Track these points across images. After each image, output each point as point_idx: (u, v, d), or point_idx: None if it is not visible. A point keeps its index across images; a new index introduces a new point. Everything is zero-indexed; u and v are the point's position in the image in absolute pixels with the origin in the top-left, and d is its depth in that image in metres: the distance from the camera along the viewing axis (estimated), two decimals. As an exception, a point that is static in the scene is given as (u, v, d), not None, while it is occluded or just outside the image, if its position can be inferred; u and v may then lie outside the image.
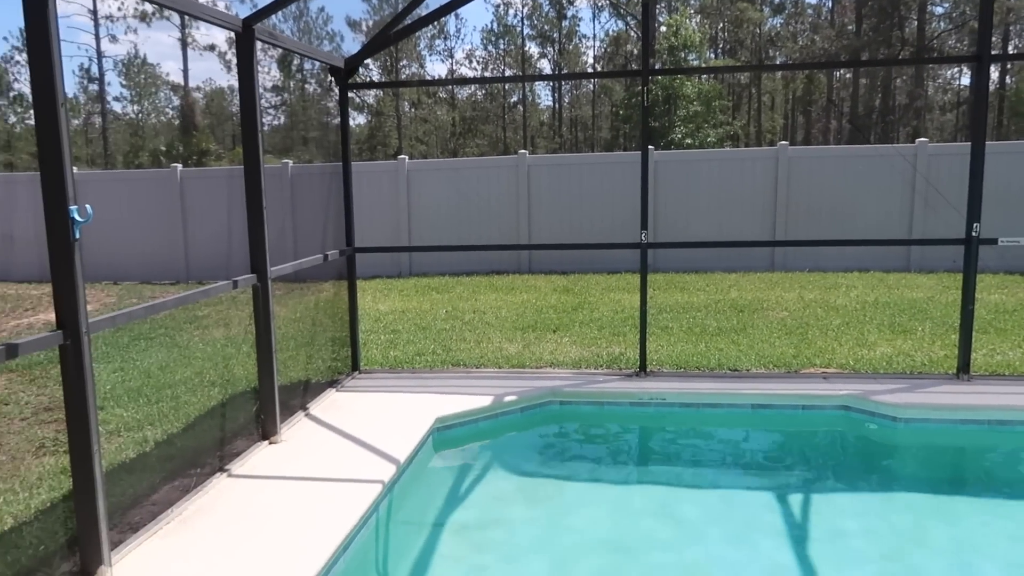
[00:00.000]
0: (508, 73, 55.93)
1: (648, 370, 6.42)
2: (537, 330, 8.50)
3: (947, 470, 5.41)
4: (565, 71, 52.24)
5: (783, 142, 13.77)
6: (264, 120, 14.54)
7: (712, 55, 46.94)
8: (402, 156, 14.66)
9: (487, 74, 55.94)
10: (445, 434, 5.34)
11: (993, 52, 6.47)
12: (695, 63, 28.43)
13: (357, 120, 50.69)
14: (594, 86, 53.49)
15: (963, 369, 6.12)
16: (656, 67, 29.95)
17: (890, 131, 40.87)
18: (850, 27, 42.76)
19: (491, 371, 6.83)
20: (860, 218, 12.91)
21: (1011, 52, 45.78)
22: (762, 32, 49.41)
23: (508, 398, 5.76)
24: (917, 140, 13.35)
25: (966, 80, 46.62)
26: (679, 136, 24.48)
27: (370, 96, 47.31)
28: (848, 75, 45.44)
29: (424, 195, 14.31)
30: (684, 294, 10.55)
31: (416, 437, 4.93)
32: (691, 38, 26.97)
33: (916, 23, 39.97)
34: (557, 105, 60.29)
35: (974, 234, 5.96)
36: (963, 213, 6.01)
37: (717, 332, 8.09)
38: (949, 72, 47.43)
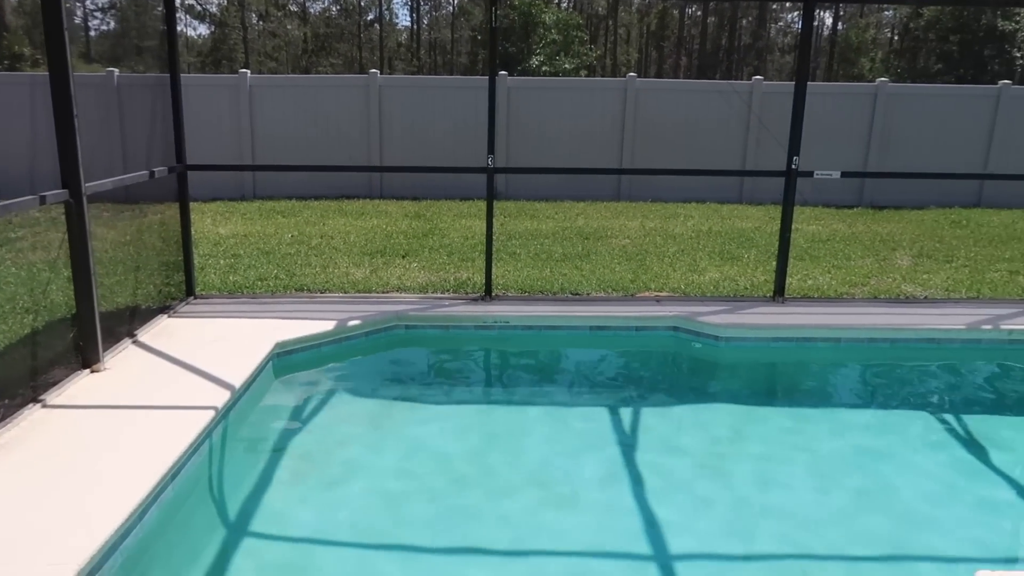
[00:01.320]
0: (363, -12, 53.36)
1: (494, 294, 6.54)
2: (386, 255, 8.41)
3: (761, 383, 5.93)
4: (423, -10, 50.32)
5: (631, 74, 14.10)
6: (91, 25, 13.09)
7: (572, -16, 46.90)
8: (243, 70, 13.75)
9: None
10: (286, 359, 5.23)
11: (819, -5, 6.85)
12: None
13: (199, 30, 46.87)
14: (453, 8, 52.22)
15: (779, 292, 6.68)
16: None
17: (734, 69, 42.86)
18: (702, -36, 43.84)
19: (336, 296, 6.72)
20: (700, 151, 13.56)
21: (843, -1, 48.70)
22: (621, -37, 49.76)
23: (352, 323, 5.70)
24: (753, 78, 14.08)
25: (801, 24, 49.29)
26: (536, 64, 24.47)
27: (213, 4, 43.80)
28: (699, 13, 46.93)
29: (268, 113, 13.56)
30: (534, 221, 10.75)
31: (254, 362, 4.79)
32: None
33: (762, -35, 41.55)
34: (416, 26, 58.43)
35: (793, 167, 6.42)
36: (784, 147, 6.45)
37: (563, 258, 8.33)
38: (789, 16, 50.08)
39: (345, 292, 6.85)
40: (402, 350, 5.85)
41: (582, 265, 7.98)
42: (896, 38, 42.79)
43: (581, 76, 25.08)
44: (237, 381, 4.46)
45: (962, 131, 13.78)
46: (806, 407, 5.31)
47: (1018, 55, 26.01)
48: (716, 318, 6.04)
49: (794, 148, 6.40)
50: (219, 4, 43.55)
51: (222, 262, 7.94)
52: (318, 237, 9.45)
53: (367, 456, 4.21)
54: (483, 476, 4.02)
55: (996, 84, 14.20)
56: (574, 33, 26.99)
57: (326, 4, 48.70)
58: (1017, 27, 25.07)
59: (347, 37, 50.08)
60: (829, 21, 49.65)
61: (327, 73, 41.87)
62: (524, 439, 4.48)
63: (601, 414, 4.86)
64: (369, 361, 5.62)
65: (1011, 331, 5.98)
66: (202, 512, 3.68)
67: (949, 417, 5.04)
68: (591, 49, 31.79)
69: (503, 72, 14.10)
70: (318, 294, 6.76)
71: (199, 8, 44.72)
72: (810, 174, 6.66)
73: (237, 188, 13.46)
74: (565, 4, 28.30)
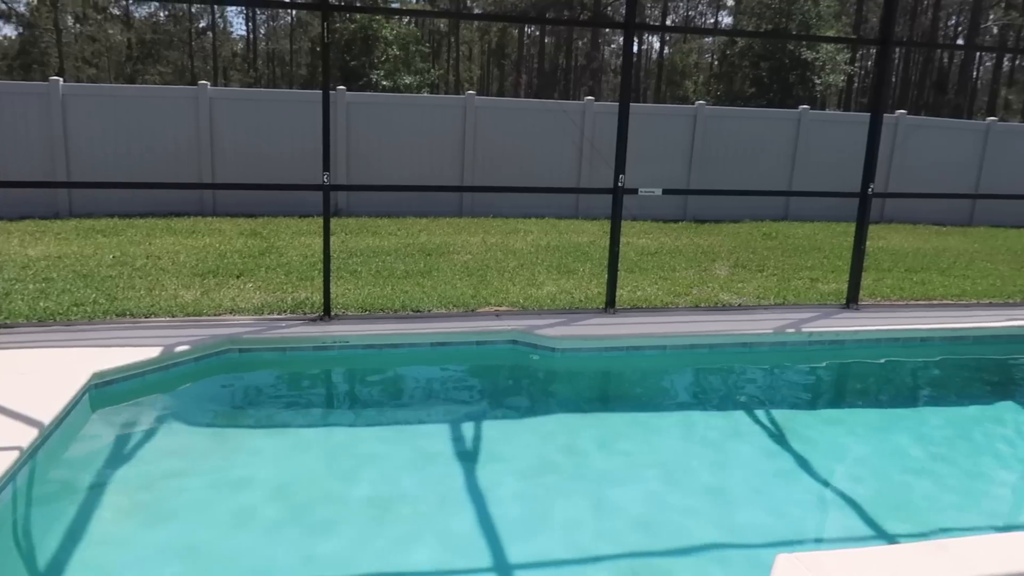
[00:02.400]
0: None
1: (333, 314, 6.45)
2: (219, 276, 8.06)
3: (594, 390, 6.21)
4: (259, -1, 48.63)
5: (471, 92, 14.37)
6: None
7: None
8: (54, 78, 12.70)
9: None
10: (105, 391, 4.89)
11: (641, 22, 7.33)
12: (395, 5, 28.37)
13: (3, 31, 42.78)
14: (292, 18, 50.85)
15: (610, 304, 7.04)
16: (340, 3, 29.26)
17: (571, 89, 44.63)
18: (539, -13, 45.31)
19: (163, 320, 6.36)
20: (538, 168, 14.02)
21: (667, 24, 51.97)
22: (460, -19, 50.46)
23: (180, 348, 5.42)
24: (585, 99, 14.76)
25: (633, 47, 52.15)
26: (376, 79, 24.33)
27: (21, 3, 40.12)
28: (537, 32, 48.49)
29: (85, 125, 12.59)
30: (376, 238, 10.67)
31: (67, 396, 4.45)
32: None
33: (593, -10, 43.63)
34: (252, 36, 56.32)
35: (620, 185, 6.81)
36: (612, 166, 6.83)
37: (404, 275, 8.34)
38: (620, 38, 52.82)
39: (173, 316, 6.50)
40: (235, 375, 5.62)
41: (424, 282, 8.03)
42: (716, 63, 46.23)
43: (423, 93, 25.19)
44: (47, 417, 4.13)
45: (771, 150, 15.12)
46: (636, 411, 5.63)
47: (817, 81, 28.91)
48: (552, 331, 6.28)
49: (620, 167, 6.79)
50: (28, 3, 39.95)
51: (31, 287, 7.29)
52: (143, 258, 8.89)
53: (196, 491, 4.02)
54: (322, 502, 3.95)
55: (798, 108, 15.71)
56: (415, 48, 27.09)
57: (152, 9, 45.92)
58: (817, 56, 27.83)
59: (177, 45, 47.47)
60: (657, 45, 52.93)
61: (155, 83, 39.46)
62: (364, 460, 4.45)
63: (441, 430, 4.91)
64: (199, 389, 5.37)
65: (811, 333, 6.64)
66: (7, 568, 3.37)
67: (760, 413, 5.52)
68: (433, 66, 32.04)
69: (342, 87, 13.93)
70: (143, 319, 6.37)
71: (3, 6, 40.82)
72: (635, 191, 7.10)
73: (50, 205, 12.39)
74: (407, 20, 28.34)
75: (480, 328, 6.32)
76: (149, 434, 4.69)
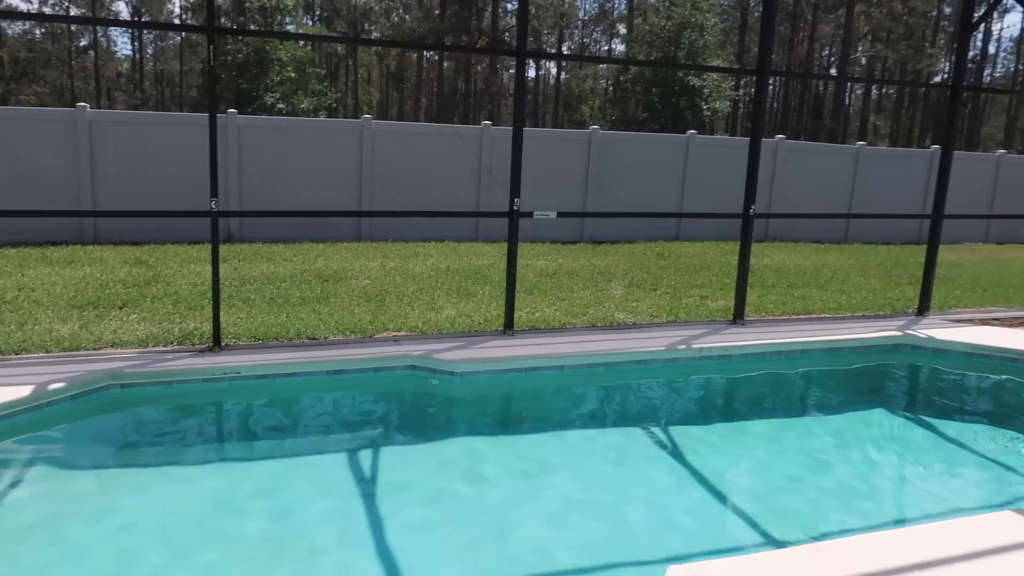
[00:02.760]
0: (74, 12, 48.49)
1: (223, 344, 6.24)
2: (99, 307, 7.65)
3: (494, 413, 6.23)
4: (143, 18, 46.98)
5: (367, 115, 14.29)
6: None
7: (309, 21, 46.45)
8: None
9: (46, 10, 47.78)
10: (-33, 435, 4.55)
11: (531, 50, 7.50)
12: (290, 27, 27.90)
13: None
14: (181, 39, 49.19)
15: (509, 326, 7.11)
16: (236, 26, 28.65)
17: (471, 113, 45.02)
18: (436, 11, 45.70)
19: (36, 357, 5.97)
20: (438, 191, 14.05)
21: (565, 52, 53.32)
22: (357, 4, 50.24)
23: (55, 386, 5.11)
24: (482, 123, 14.94)
25: (531, 73, 53.27)
26: (271, 101, 23.83)
27: None
28: (436, 57, 48.72)
29: (-52, 149, 11.76)
30: (271, 264, 10.40)
31: (-78, 443, 4.11)
32: (283, 0, 26.30)
33: (491, 16, 44.34)
34: (138, 56, 54.17)
35: (515, 208, 6.91)
36: (507, 189, 6.92)
37: (300, 302, 8.16)
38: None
39: (48, 351, 6.12)
40: (117, 412, 5.34)
41: (320, 308, 7.88)
42: (611, 88, 47.73)
43: (321, 116, 24.83)
44: (-102, 467, 3.80)
45: (662, 173, 15.71)
46: (536, 432, 5.70)
47: (705, 107, 30.29)
48: (451, 354, 6.28)
49: (515, 190, 6.90)
50: None
51: None
52: (15, 289, 8.35)
53: (72, 539, 3.78)
54: (211, 542, 3.79)
55: (686, 133, 16.41)
56: (311, 71, 26.71)
57: (27, 26, 43.47)
58: (704, 83, 29.17)
59: (56, 64, 45.06)
60: (554, 71, 54.16)
61: (30, 104, 37.28)
62: (256, 496, 4.30)
63: (338, 461, 4.81)
64: (77, 428, 5.07)
65: (700, 349, 6.90)
66: None
67: (655, 428, 5.69)
68: (330, 88, 31.65)
69: (233, 110, 13.58)
70: (13, 356, 5.97)
71: None
72: (530, 214, 7.22)
73: (-93, 235, 11.47)
74: (304, 43, 27.90)
75: (378, 354, 6.25)
76: (17, 480, 4.39)
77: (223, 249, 10.88)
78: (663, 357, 6.77)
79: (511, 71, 54.14)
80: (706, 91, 29.49)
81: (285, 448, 5.16)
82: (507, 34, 44.88)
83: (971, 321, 8.54)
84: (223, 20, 33.29)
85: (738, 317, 7.93)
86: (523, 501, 4.44)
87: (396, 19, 50.66)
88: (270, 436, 5.43)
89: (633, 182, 15.38)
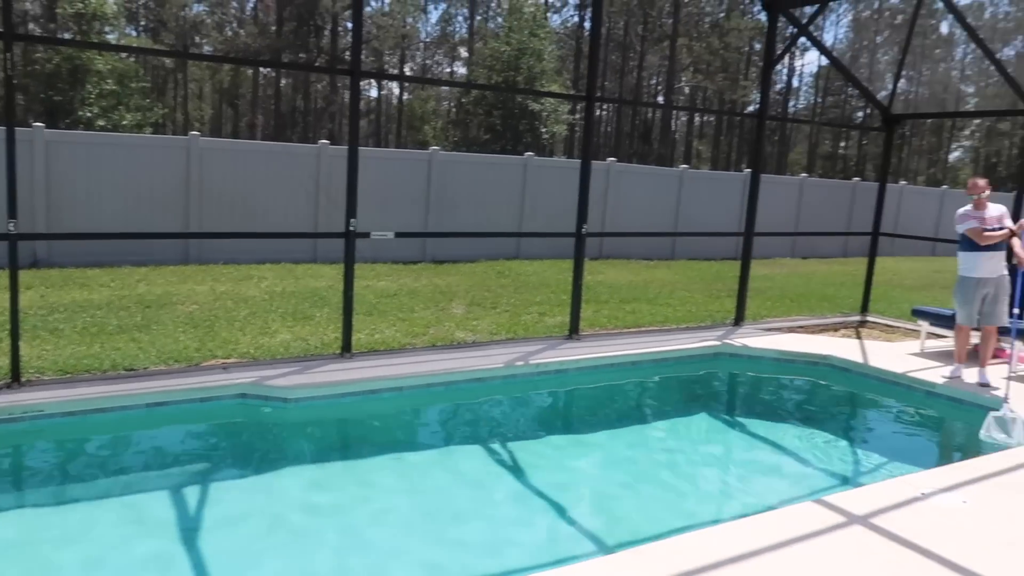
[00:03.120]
0: None
1: (24, 380, 5.67)
2: None
3: (330, 439, 6.07)
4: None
5: (195, 132, 13.59)
6: None
7: (132, 32, 43.58)
8: None
9: None
10: None
11: (366, 70, 7.46)
12: (111, 38, 26.09)
13: None
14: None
15: (346, 348, 6.96)
16: (45, 34, 26.50)
17: (311, 131, 43.94)
18: (273, 27, 44.35)
19: None
20: (272, 212, 13.55)
21: (408, 73, 53.28)
22: (187, 16, 47.77)
23: None
24: (320, 142, 14.63)
25: (373, 92, 52.82)
26: (89, 116, 22.11)
27: None
28: (274, 74, 47.18)
29: None
30: (85, 291, 9.58)
31: None
32: (101, 8, 24.52)
33: (330, 34, 43.61)
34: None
35: (351, 229, 6.80)
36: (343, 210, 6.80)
37: (117, 331, 7.57)
38: (363, 84, 53.12)
39: None
40: None
41: (141, 337, 7.35)
42: (453, 110, 48.24)
43: (146, 132, 23.29)
44: None
45: (502, 193, 16.04)
46: (373, 456, 5.59)
47: (543, 130, 31.34)
48: (285, 380, 6.06)
49: (351, 211, 6.79)
50: None
51: None
52: None
53: None
54: (0, 599, 3.41)
55: (524, 155, 16.87)
56: (135, 84, 25.08)
57: None
58: (542, 107, 30.18)
59: None
60: (397, 91, 54.03)
61: None
62: (64, 546, 3.93)
63: (159, 500, 4.49)
64: None
65: (538, 364, 7.08)
66: None
67: (493, 443, 5.76)
68: (156, 103, 29.81)
69: (39, 124, 12.47)
70: None
71: None
72: (367, 235, 7.13)
73: None
74: (126, 55, 26.10)
75: (204, 383, 5.91)
76: None
77: (28, 275, 9.92)
78: (502, 374, 6.88)
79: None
80: (544, 115, 30.54)
81: (97, 490, 4.74)
82: (347, 53, 44.28)
83: (780, 329, 9.34)
84: (32, 27, 30.60)
85: (573, 332, 8.21)
86: (361, 527, 4.35)
87: (230, 33, 48.62)
88: (79, 479, 4.97)
89: (474, 202, 15.59)
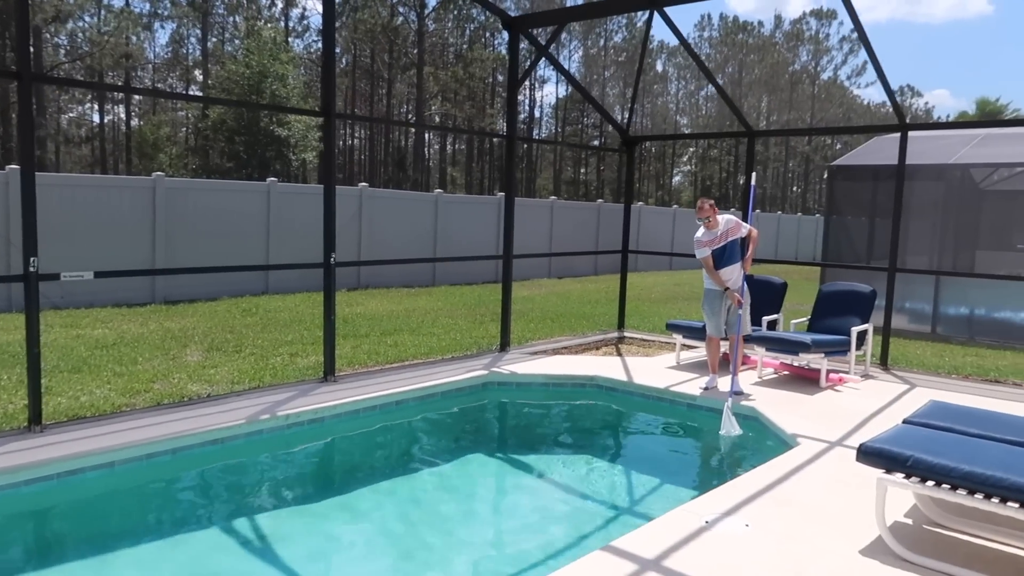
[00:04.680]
0: None
1: None
2: None
3: (10, 542, 4.67)
4: None
5: None
6: None
7: None
8: None
9: None
10: None
11: (39, 73, 6.06)
12: None
13: None
14: None
15: (35, 420, 5.52)
16: None
17: (11, 156, 38.12)
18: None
19: None
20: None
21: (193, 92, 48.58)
22: None
23: None
24: (7, 167, 12.27)
25: (96, 117, 47.43)
26: None
27: None
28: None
29: None
30: None
31: None
32: None
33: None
34: None
35: (32, 270, 5.41)
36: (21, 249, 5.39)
37: None
38: (82, 106, 47.33)
39: None
40: None
41: None
42: (191, 137, 44.56)
43: None
44: None
45: (246, 224, 14.62)
46: (69, 560, 4.34)
47: (293, 158, 29.78)
48: (-62, 473, 4.57)
49: (30, 248, 5.41)
50: None
51: None
52: None
53: None
54: None
55: (267, 181, 15.56)
56: None
57: None
58: (290, 133, 28.66)
59: None
60: (123, 115, 48.90)
61: None
62: None
63: None
64: None
65: (288, 416, 6.14)
66: None
67: (236, 519, 4.75)
68: None
69: None
70: None
71: None
72: (56, 276, 5.76)
73: None
74: None
75: None
76: None
77: None
78: (244, 431, 5.86)
79: (70, 114, 47.34)
80: (293, 141, 29.06)
81: None
82: (58, 70, 39.05)
83: (545, 352, 9.17)
84: None
85: (329, 374, 7.34)
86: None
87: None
88: None
89: (213, 234, 14.02)
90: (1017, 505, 3.47)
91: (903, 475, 3.80)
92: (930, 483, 3.71)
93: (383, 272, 16.69)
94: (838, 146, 66.87)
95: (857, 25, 7.60)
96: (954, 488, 3.63)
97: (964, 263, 12.43)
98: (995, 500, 3.53)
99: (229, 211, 14.41)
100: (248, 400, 6.54)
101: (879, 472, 3.90)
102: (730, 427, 6.30)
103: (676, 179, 67.15)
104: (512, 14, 9.06)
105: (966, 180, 12.54)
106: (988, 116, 29.89)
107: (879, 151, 13.45)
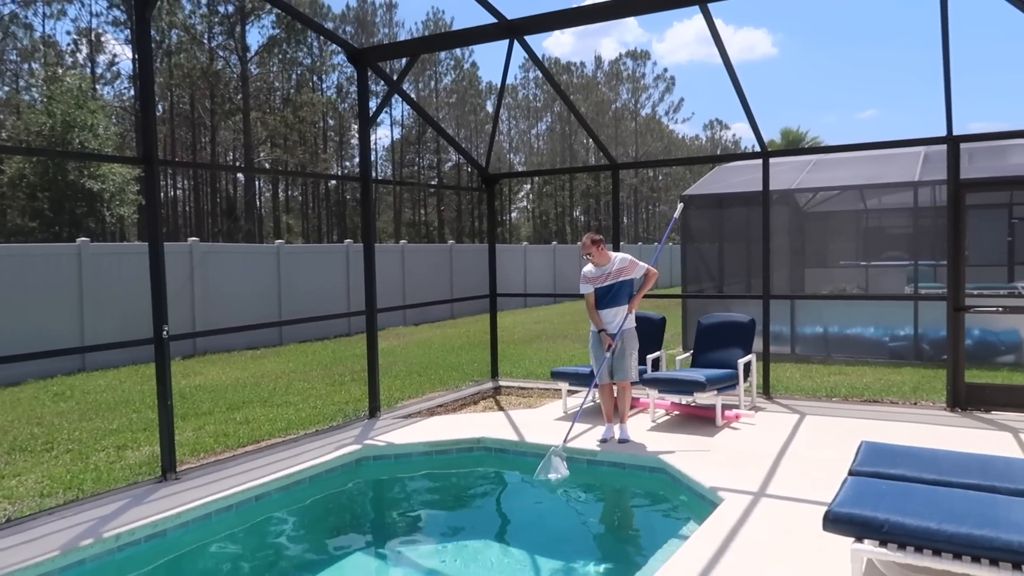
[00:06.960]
0: None
1: None
2: None
3: None
4: None
5: None
6: None
7: None
8: None
9: None
10: None
11: None
12: None
13: None
14: None
15: None
16: None
17: None
18: None
19: None
20: None
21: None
22: None
23: None
24: None
25: None
26: None
27: None
28: None
29: None
30: None
31: None
32: None
33: None
34: None
35: None
36: None
37: None
38: None
39: None
40: None
41: None
42: (-17, 195, 39.64)
43: None
44: None
45: (51, 293, 12.66)
46: None
47: (108, 213, 26.97)
48: None
49: None
50: None
51: None
52: None
53: None
54: None
55: (77, 241, 13.64)
56: None
57: None
58: (105, 187, 25.98)
59: None
60: None
61: None
62: None
63: None
64: None
65: (118, 535, 4.89)
66: None
67: None
68: None
69: None
70: None
71: None
72: None
73: None
74: None
75: None
76: None
77: None
78: (59, 566, 4.57)
79: None
80: (107, 195, 26.37)
81: None
82: None
83: (420, 413, 8.31)
84: None
85: (169, 470, 6.09)
86: None
87: None
88: None
89: (9, 307, 11.98)
90: (1011, 566, 3.08)
91: (877, 542, 3.34)
92: (910, 548, 3.26)
93: (224, 335, 15.08)
94: (659, 177, 70.99)
95: (729, 69, 7.54)
96: (937, 553, 3.20)
97: (797, 282, 13.12)
98: (985, 562, 3.12)
99: (31, 280, 12.40)
100: (64, 519, 5.21)
101: (850, 541, 3.42)
102: (550, 470, 5.91)
103: (514, 215, 68.19)
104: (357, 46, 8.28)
105: (791, 204, 13.17)
106: (792, 144, 32.42)
107: (722, 180, 13.81)
